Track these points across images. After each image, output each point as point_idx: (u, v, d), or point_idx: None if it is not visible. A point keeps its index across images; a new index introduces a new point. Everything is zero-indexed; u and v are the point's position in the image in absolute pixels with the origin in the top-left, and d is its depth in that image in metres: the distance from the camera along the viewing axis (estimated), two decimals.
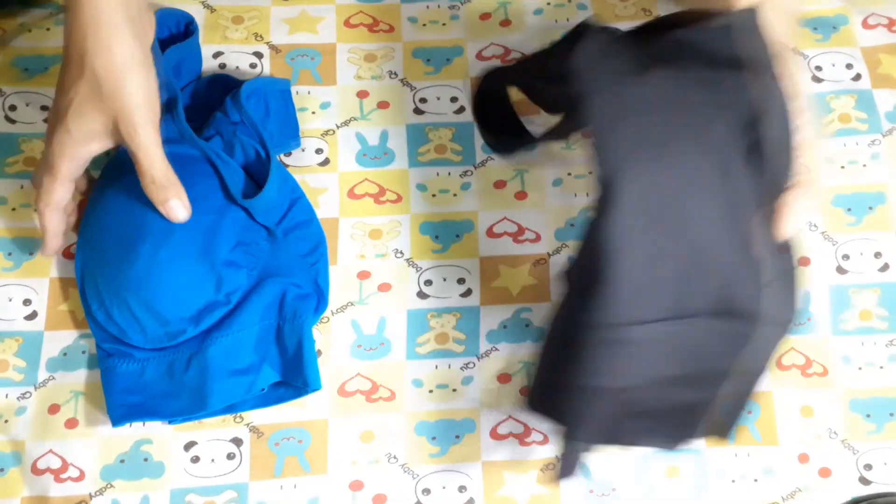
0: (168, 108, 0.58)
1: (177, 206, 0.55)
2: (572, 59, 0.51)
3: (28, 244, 0.61)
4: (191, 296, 0.55)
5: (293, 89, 0.65)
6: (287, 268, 0.58)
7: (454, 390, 0.59)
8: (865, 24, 0.68)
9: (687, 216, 0.48)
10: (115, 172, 0.59)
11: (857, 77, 0.66)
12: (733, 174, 0.48)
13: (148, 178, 0.54)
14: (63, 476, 0.56)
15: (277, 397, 0.57)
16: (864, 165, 0.64)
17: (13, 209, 0.62)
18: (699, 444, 0.58)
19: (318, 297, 0.59)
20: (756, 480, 0.58)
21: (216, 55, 0.66)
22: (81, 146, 0.55)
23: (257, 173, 0.59)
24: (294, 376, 0.56)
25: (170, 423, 0.57)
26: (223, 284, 0.56)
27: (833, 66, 0.67)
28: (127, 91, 0.53)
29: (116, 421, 0.56)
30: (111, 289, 0.56)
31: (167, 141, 0.56)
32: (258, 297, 0.57)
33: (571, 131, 0.61)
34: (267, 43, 0.67)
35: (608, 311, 0.47)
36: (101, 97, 0.53)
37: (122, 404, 0.56)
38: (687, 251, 0.48)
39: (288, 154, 0.63)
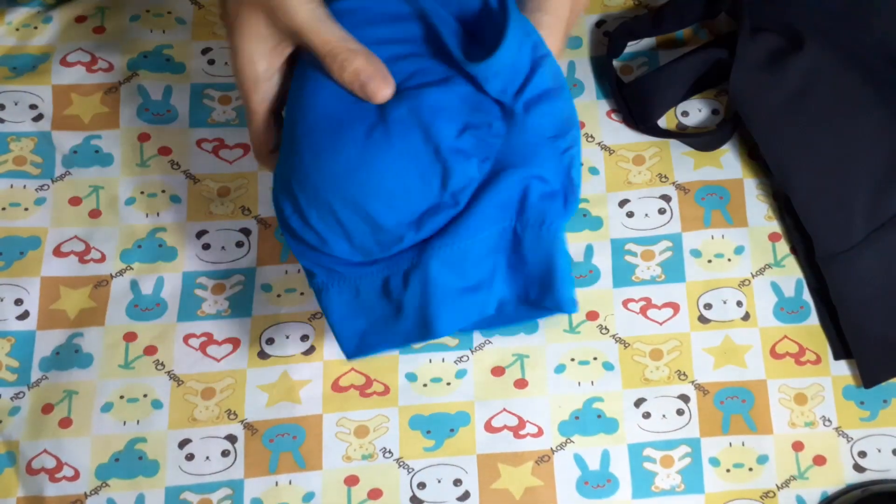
0: None
1: (372, 80, 0.44)
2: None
3: (19, 243, 0.61)
4: (412, 193, 0.44)
5: None
6: (530, 155, 0.45)
7: (448, 384, 0.59)
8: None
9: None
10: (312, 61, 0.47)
11: None
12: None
13: (329, 58, 0.44)
14: (58, 476, 0.56)
15: (516, 317, 0.48)
16: None
17: (3, 209, 0.62)
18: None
19: (568, 193, 0.45)
20: (751, 469, 0.58)
21: (204, 51, 0.66)
22: (258, 64, 0.47)
23: (480, 26, 0.45)
24: (540, 295, 0.44)
25: (399, 350, 0.49)
26: (450, 179, 0.44)
27: None
28: None
29: (351, 355, 0.47)
30: (308, 185, 0.45)
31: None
32: (492, 195, 0.44)
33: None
34: None
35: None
36: (245, 2, 0.45)
37: (350, 334, 0.46)
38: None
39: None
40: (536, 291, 0.45)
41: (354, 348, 0.47)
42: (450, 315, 0.44)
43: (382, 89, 0.44)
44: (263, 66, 0.47)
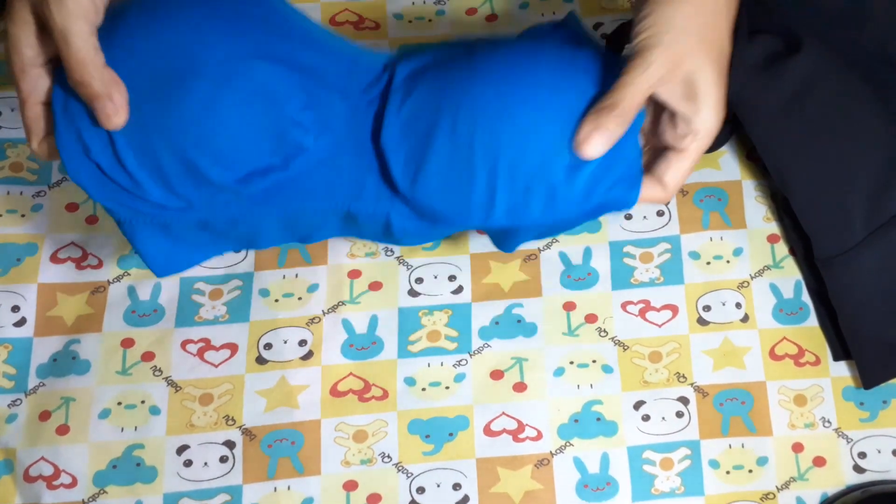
0: None
1: (103, 108, 0.44)
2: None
3: (15, 250, 0.61)
4: (245, 155, 0.46)
5: None
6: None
7: (447, 388, 0.59)
8: None
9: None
10: None
11: None
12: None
13: (79, 66, 0.44)
14: (55, 483, 0.56)
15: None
16: None
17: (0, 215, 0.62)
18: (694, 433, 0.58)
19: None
20: (750, 471, 0.58)
21: None
22: (25, 50, 0.46)
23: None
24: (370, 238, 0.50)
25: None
26: (284, 146, 0.46)
27: None
28: None
29: (162, 272, 0.49)
30: (136, 129, 0.44)
31: None
32: (327, 169, 0.48)
33: None
34: None
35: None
36: None
37: (159, 252, 0.48)
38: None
39: None
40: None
41: (163, 268, 0.48)
42: (270, 240, 0.48)
43: (113, 118, 0.44)
44: (30, 53, 0.46)
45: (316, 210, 0.48)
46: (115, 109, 0.44)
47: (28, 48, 0.46)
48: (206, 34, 0.45)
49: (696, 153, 0.48)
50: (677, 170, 0.49)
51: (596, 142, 0.45)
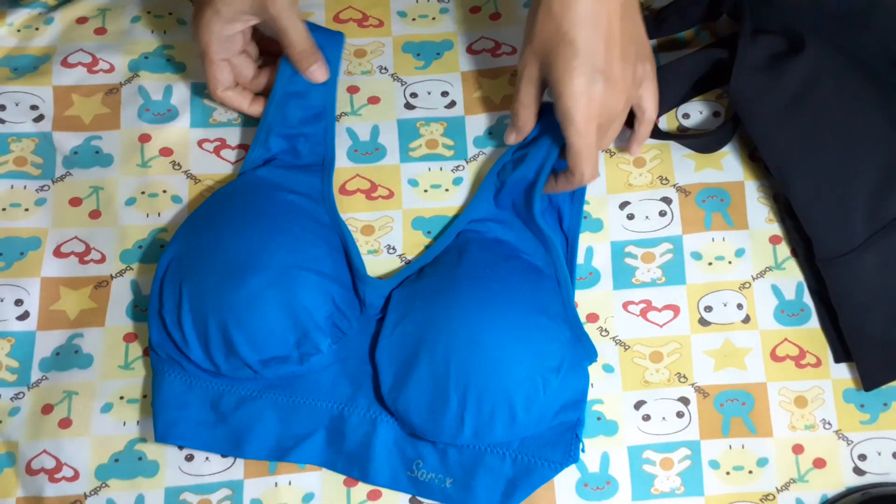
0: (321, 167, 0.62)
1: (318, 70, 0.61)
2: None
3: (19, 244, 0.61)
4: (271, 342, 0.55)
5: None
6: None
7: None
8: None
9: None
10: (244, 187, 0.60)
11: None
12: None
13: (294, 47, 0.60)
14: (57, 476, 0.56)
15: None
16: None
17: (3, 209, 0.62)
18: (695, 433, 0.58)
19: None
20: (751, 472, 0.58)
21: None
22: (227, 25, 0.58)
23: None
24: (343, 469, 0.56)
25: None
26: (304, 344, 0.55)
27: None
28: None
29: (160, 438, 0.56)
30: (199, 301, 0.55)
31: (309, 196, 0.60)
32: (333, 373, 0.57)
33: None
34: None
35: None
36: None
37: (166, 419, 0.56)
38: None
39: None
40: (343, 467, 0.56)
41: (164, 434, 0.55)
42: (261, 446, 0.55)
43: (323, 77, 0.62)
44: (240, 25, 0.59)
45: (313, 408, 0.56)
46: (320, 67, 0.61)
47: (223, 24, 0.59)
48: (272, 241, 0.56)
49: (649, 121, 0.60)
50: (649, 102, 0.60)
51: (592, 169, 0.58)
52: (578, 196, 0.61)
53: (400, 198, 0.62)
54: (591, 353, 0.57)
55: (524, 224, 0.59)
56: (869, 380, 0.58)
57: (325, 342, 0.56)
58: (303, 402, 0.56)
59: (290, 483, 0.57)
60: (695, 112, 0.65)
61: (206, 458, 0.57)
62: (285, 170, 0.60)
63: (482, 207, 0.60)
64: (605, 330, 0.60)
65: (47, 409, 0.58)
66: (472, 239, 0.59)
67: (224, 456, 0.56)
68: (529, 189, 0.59)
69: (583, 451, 0.57)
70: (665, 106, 0.63)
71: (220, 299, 0.54)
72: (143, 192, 0.62)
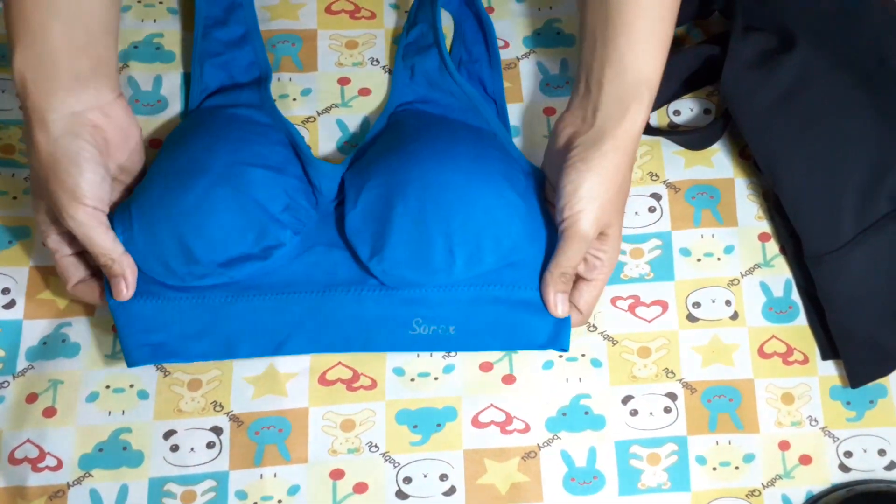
0: (258, 82, 0.62)
1: (118, 284, 0.55)
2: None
3: (6, 233, 0.61)
4: (229, 241, 0.54)
5: (274, 76, 0.64)
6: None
7: (436, 378, 0.59)
8: None
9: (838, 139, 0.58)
10: (188, 122, 0.60)
11: None
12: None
13: (99, 258, 0.54)
14: (41, 465, 0.56)
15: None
16: None
17: None
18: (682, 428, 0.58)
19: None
20: (737, 468, 0.58)
21: None
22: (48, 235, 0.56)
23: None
24: (342, 348, 0.56)
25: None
26: (264, 239, 0.55)
27: None
28: (59, 181, 0.52)
29: (137, 361, 0.55)
30: (147, 214, 0.54)
31: (248, 105, 0.59)
32: (305, 262, 0.57)
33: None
34: None
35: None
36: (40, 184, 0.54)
37: (143, 344, 0.55)
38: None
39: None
40: (327, 345, 0.57)
41: (142, 357, 0.55)
42: (252, 344, 0.56)
43: (124, 292, 0.55)
44: (53, 246, 0.56)
45: (293, 300, 0.56)
46: (127, 286, 0.55)
47: (51, 242, 0.56)
48: (215, 145, 0.56)
49: (604, 282, 0.56)
50: (590, 296, 0.56)
51: (562, 303, 0.55)
52: (495, 60, 0.63)
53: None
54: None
55: (448, 95, 0.60)
56: (855, 377, 0.58)
57: (285, 234, 0.56)
58: (281, 296, 0.56)
59: (275, 475, 0.57)
60: (685, 109, 0.65)
61: (192, 449, 0.57)
62: (223, 95, 0.61)
63: (403, 92, 0.62)
64: (593, 325, 0.60)
65: (32, 397, 0.57)
66: (404, 114, 0.60)
67: (217, 360, 0.56)
68: (439, 59, 0.61)
69: None
70: (656, 103, 0.63)
71: (169, 208, 0.54)
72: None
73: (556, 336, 0.56)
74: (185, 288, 0.56)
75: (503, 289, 0.56)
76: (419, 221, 0.54)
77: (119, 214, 0.55)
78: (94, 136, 0.53)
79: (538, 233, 0.56)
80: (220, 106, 0.60)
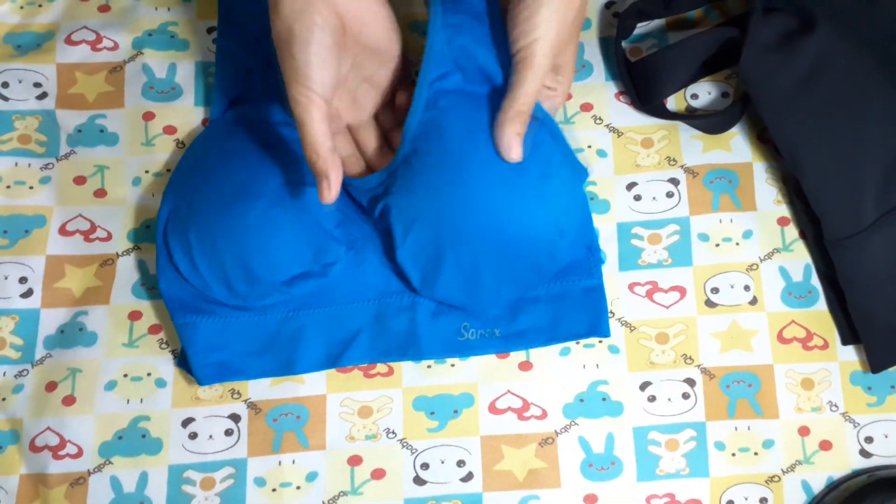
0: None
1: (321, 184, 0.51)
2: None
3: (24, 222, 0.61)
4: (290, 260, 0.55)
5: None
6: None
7: (452, 365, 0.59)
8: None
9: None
10: (218, 132, 0.60)
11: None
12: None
13: (305, 150, 0.52)
14: (61, 453, 0.56)
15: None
16: None
17: (7, 187, 0.62)
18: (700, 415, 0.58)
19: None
20: (756, 454, 0.58)
21: (210, 30, 0.65)
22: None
23: None
24: (396, 356, 0.57)
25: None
26: (322, 256, 0.56)
27: None
28: (294, 57, 0.50)
29: (205, 380, 0.56)
30: (208, 238, 0.55)
31: (285, 124, 0.58)
32: (358, 274, 0.58)
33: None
34: None
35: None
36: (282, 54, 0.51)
37: (208, 363, 0.56)
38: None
39: None
40: (395, 355, 0.58)
41: (208, 376, 0.56)
42: (312, 359, 0.57)
43: (325, 194, 0.51)
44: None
45: (350, 312, 0.57)
46: (329, 187, 0.51)
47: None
48: (263, 166, 0.56)
49: (561, 102, 0.56)
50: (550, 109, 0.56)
51: (518, 145, 0.52)
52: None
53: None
54: (582, 174, 0.57)
55: (470, 18, 0.55)
56: (876, 362, 0.58)
57: (341, 250, 0.57)
58: (338, 310, 0.57)
59: (293, 462, 0.57)
60: (703, 92, 0.64)
61: (210, 436, 0.57)
62: (252, 105, 0.61)
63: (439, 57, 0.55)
64: (611, 311, 0.60)
65: (51, 386, 0.58)
66: (447, 107, 0.54)
67: (277, 376, 0.57)
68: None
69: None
70: (673, 84, 0.62)
71: (230, 231, 0.54)
72: (147, 171, 0.62)
73: (596, 324, 0.57)
74: (246, 307, 0.57)
75: (542, 287, 0.57)
76: (468, 268, 0.54)
77: (178, 241, 0.56)
78: (325, 19, 0.50)
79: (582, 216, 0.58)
80: (250, 119, 0.60)
